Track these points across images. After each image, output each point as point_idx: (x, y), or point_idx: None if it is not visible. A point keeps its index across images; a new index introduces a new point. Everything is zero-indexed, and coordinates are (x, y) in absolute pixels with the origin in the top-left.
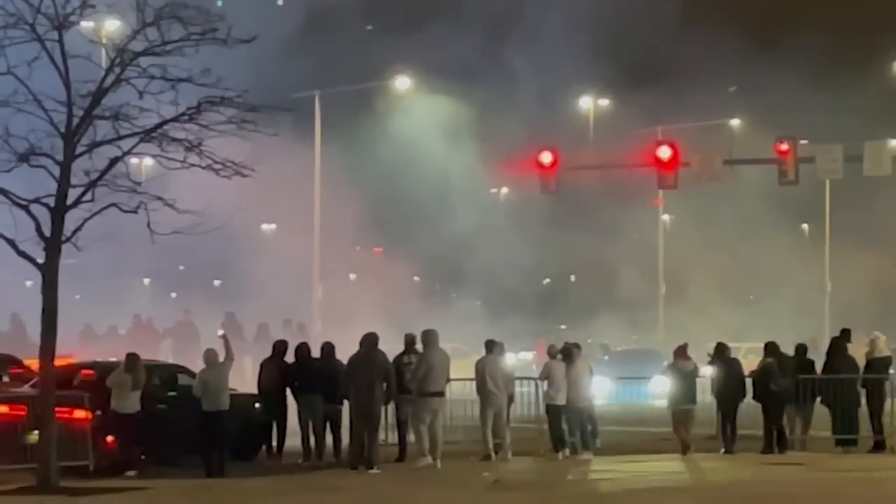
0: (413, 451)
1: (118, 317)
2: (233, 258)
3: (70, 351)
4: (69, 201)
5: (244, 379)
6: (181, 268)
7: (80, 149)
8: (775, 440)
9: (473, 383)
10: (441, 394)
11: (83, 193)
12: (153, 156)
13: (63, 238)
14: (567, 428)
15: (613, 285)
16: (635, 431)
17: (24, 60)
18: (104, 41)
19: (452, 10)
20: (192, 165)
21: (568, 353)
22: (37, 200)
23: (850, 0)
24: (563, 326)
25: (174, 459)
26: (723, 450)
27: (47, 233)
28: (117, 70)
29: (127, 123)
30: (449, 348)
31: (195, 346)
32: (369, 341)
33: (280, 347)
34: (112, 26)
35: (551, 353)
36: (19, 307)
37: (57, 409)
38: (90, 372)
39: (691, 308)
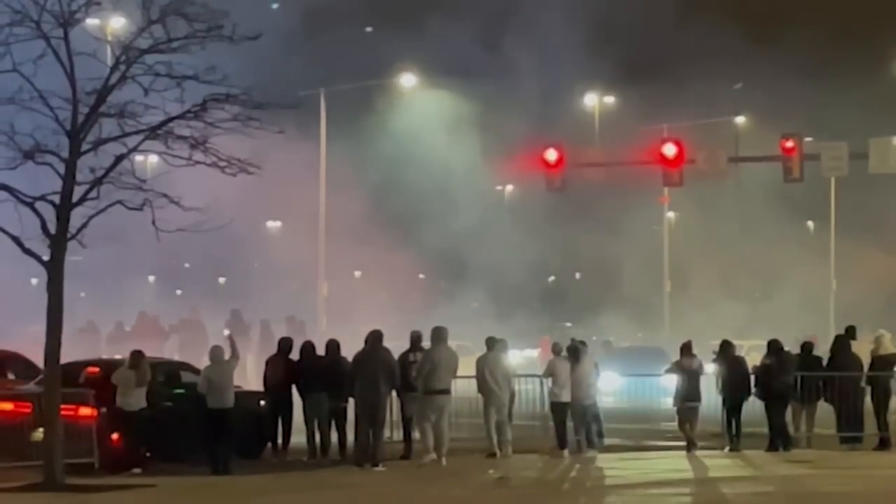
0: (418, 449)
1: (123, 314)
2: (238, 255)
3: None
4: (74, 199)
5: (247, 376)
6: (186, 265)
7: (85, 146)
8: (779, 438)
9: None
10: (446, 391)
11: (88, 191)
12: (158, 153)
13: (68, 235)
14: (572, 426)
15: (618, 283)
16: (640, 429)
17: (29, 58)
18: (109, 38)
19: (456, 6)
20: (198, 163)
21: (573, 351)
22: (42, 198)
23: None
24: (568, 324)
25: (180, 457)
26: (728, 447)
27: (52, 230)
28: (122, 67)
29: (132, 121)
30: (454, 346)
31: (202, 343)
32: (374, 338)
33: (285, 345)
34: (117, 24)
35: (556, 351)
36: (23, 305)
37: (62, 406)
38: (95, 369)
39: (696, 305)
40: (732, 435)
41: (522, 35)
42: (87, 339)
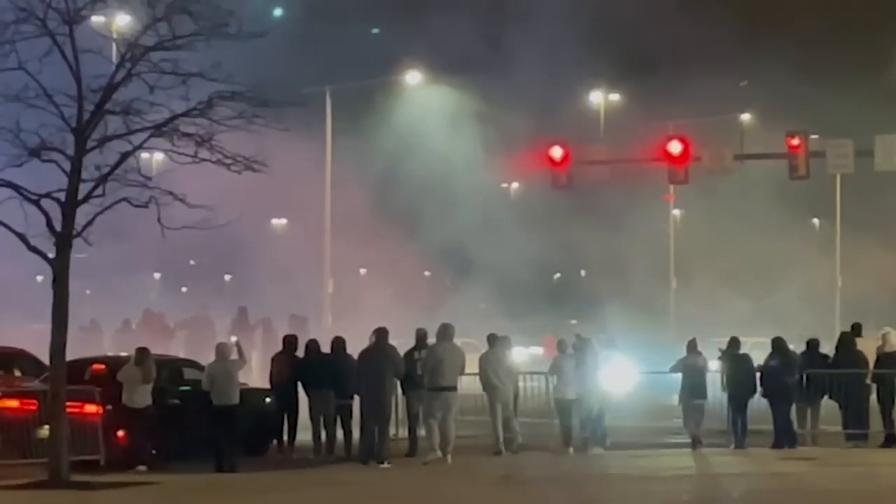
0: (423, 447)
1: (128, 312)
2: (243, 253)
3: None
4: (80, 196)
5: (251, 374)
6: (192, 262)
7: (90, 144)
8: (784, 435)
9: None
10: (452, 388)
11: (94, 188)
12: (164, 151)
13: (74, 233)
14: (578, 423)
15: (624, 280)
16: (645, 426)
17: (35, 56)
18: (115, 36)
19: (460, 3)
20: (203, 160)
21: (578, 348)
22: (48, 195)
23: None
24: (573, 321)
25: (185, 454)
26: (733, 445)
27: (58, 227)
28: (128, 65)
29: (137, 118)
30: (459, 343)
31: (210, 340)
32: (380, 336)
33: (291, 342)
34: (123, 21)
35: (561, 348)
36: (27, 302)
37: (68, 403)
38: (101, 366)
39: (702, 303)
40: (738, 432)
41: (528, 33)
42: (89, 338)
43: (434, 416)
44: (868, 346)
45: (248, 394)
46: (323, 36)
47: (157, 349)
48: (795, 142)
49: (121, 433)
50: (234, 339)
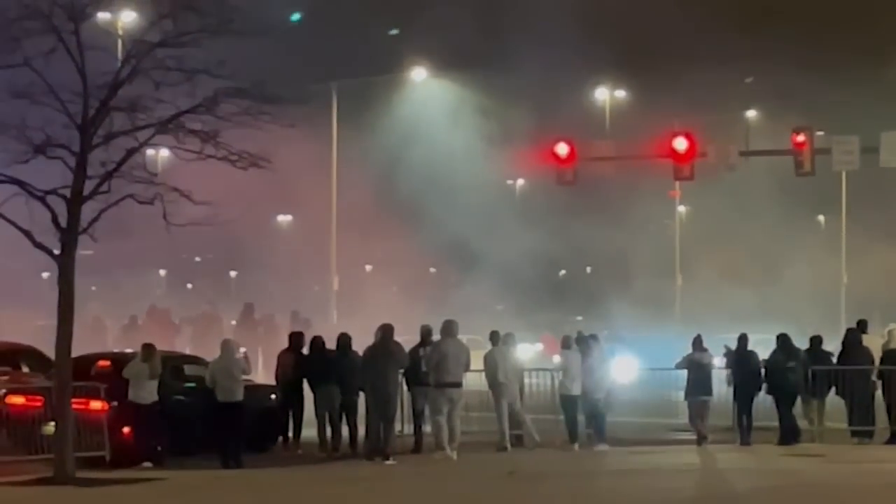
0: (431, 443)
1: (134, 308)
2: (248, 250)
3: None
4: (85, 193)
5: (257, 371)
6: (197, 259)
7: (96, 140)
8: (789, 432)
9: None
10: (458, 384)
11: (99, 185)
12: (169, 147)
13: (79, 229)
14: (583, 419)
15: (629, 277)
16: (650, 422)
17: (40, 52)
18: (120, 32)
19: (466, 1)
20: (209, 157)
21: (581, 344)
22: (53, 192)
23: None
24: (579, 318)
25: (190, 450)
26: (738, 441)
27: (63, 224)
28: (133, 61)
29: (143, 115)
30: (465, 340)
31: (217, 337)
32: (385, 333)
33: (297, 339)
34: (128, 17)
35: (566, 344)
36: (32, 299)
37: (73, 399)
38: (106, 363)
39: (707, 299)
40: (743, 429)
41: (533, 29)
42: (92, 336)
43: (441, 412)
44: (874, 343)
45: (254, 390)
46: (328, 32)
47: (163, 346)
48: (801, 138)
49: (126, 430)
50: (243, 350)
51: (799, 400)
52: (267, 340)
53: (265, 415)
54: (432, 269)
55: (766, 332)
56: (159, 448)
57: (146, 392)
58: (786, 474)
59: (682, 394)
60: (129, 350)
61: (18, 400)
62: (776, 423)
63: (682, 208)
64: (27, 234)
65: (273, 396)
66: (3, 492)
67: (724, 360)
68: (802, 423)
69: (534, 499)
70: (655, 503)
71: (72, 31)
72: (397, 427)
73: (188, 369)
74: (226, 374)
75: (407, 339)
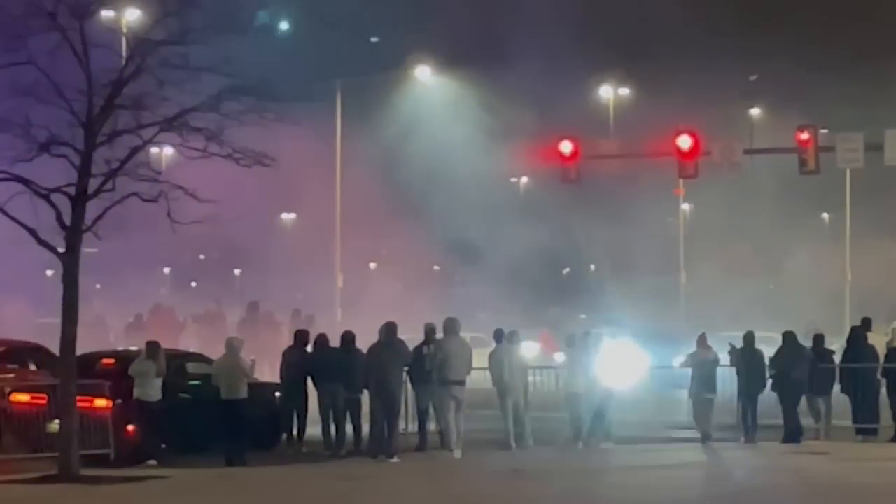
0: (435, 441)
1: (138, 306)
2: (252, 247)
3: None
4: (90, 190)
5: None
6: (201, 257)
7: (100, 138)
8: (793, 429)
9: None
10: (462, 383)
11: (104, 183)
12: (174, 145)
13: (84, 227)
14: (587, 417)
15: (634, 275)
16: (655, 420)
17: (45, 50)
18: (125, 30)
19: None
20: (213, 154)
21: (586, 342)
22: (58, 189)
23: None
24: (583, 315)
25: (195, 448)
26: (743, 439)
27: (68, 222)
28: (138, 59)
29: (147, 113)
30: (469, 338)
31: (223, 336)
32: (389, 331)
33: (301, 337)
34: (132, 15)
35: (569, 342)
36: (36, 297)
37: (78, 397)
38: (111, 360)
39: (712, 297)
40: (748, 426)
41: (537, 28)
42: (94, 334)
43: (448, 410)
44: (878, 341)
45: (258, 388)
46: (333, 30)
47: (167, 344)
48: (805, 136)
49: (131, 428)
50: (252, 358)
51: (803, 398)
52: (268, 338)
53: (269, 413)
54: (436, 267)
55: (770, 329)
56: (164, 446)
57: (152, 390)
58: (790, 472)
59: (686, 392)
60: (133, 348)
61: (23, 398)
62: (780, 421)
63: (686, 206)
64: (32, 231)
65: (277, 394)
66: (8, 489)
67: (729, 357)
68: (807, 421)
69: (538, 497)
70: (659, 502)
71: (76, 29)
72: (401, 425)
73: (193, 367)
74: (229, 372)
75: (411, 336)
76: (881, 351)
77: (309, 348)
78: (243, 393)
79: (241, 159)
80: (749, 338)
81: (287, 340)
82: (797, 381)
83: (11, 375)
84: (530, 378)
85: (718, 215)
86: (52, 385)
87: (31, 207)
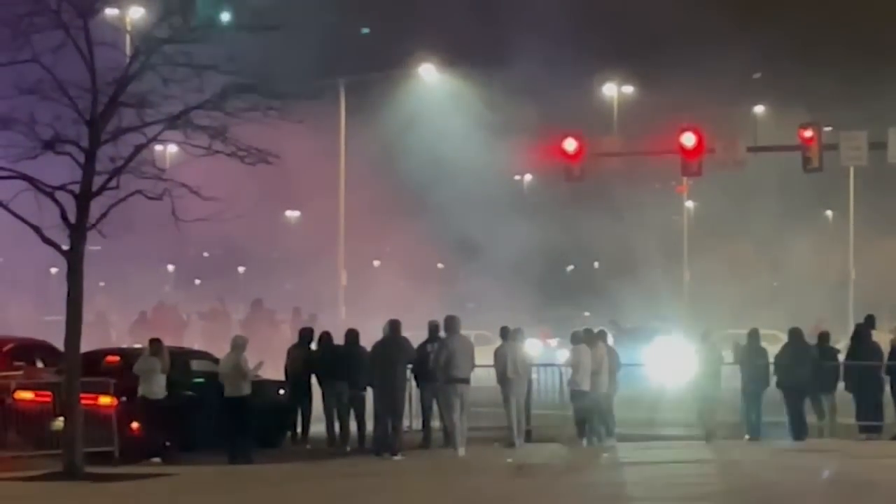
0: (439, 439)
1: (142, 304)
2: (256, 245)
3: None
4: (94, 188)
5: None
6: (205, 254)
7: (104, 136)
8: (797, 427)
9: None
10: (467, 381)
11: (108, 180)
12: (178, 143)
13: (88, 225)
14: (591, 414)
15: (637, 272)
16: (659, 418)
17: (49, 48)
18: (129, 28)
19: None
20: (217, 152)
21: (589, 339)
22: (62, 187)
23: None
24: (587, 313)
25: (199, 446)
26: (747, 436)
27: (72, 220)
28: (142, 57)
29: (152, 110)
30: (473, 335)
31: (226, 334)
32: (393, 328)
33: (306, 335)
34: (136, 13)
35: (575, 340)
36: (41, 294)
37: (82, 395)
38: (115, 358)
39: (715, 295)
40: (752, 424)
41: (541, 25)
42: (96, 332)
43: (455, 411)
44: (882, 339)
45: (262, 386)
46: (337, 27)
47: (171, 342)
48: (808, 134)
49: (135, 425)
50: (261, 361)
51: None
52: (267, 336)
53: (274, 410)
54: (440, 265)
55: (773, 327)
56: (168, 443)
57: (157, 387)
58: (794, 469)
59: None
60: (137, 345)
61: (27, 395)
62: (784, 419)
63: (689, 204)
64: (36, 229)
65: (281, 392)
66: (13, 487)
67: (733, 355)
68: (810, 419)
69: (542, 494)
70: (664, 499)
71: (80, 27)
72: (405, 423)
73: (197, 364)
74: (233, 369)
75: (415, 334)
76: (885, 348)
77: (313, 346)
78: (246, 390)
79: (245, 157)
80: (753, 335)
81: (288, 338)
82: (802, 379)
83: (20, 372)
84: (534, 376)
85: (722, 213)
86: (57, 382)
87: (36, 205)
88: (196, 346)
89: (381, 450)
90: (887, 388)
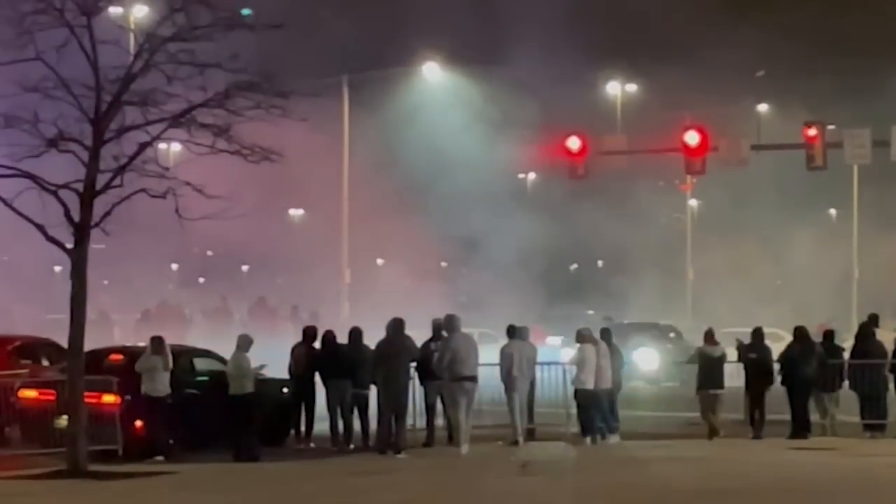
0: (443, 437)
1: (146, 302)
2: (260, 243)
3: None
4: (98, 186)
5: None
6: (209, 253)
7: (108, 134)
8: (801, 426)
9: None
10: (474, 378)
11: (112, 179)
12: (181, 141)
13: (91, 223)
14: (595, 412)
15: (641, 270)
16: (663, 416)
17: (52, 46)
18: (132, 27)
19: None
20: (221, 151)
21: (585, 338)
22: (66, 186)
23: None
24: (590, 311)
25: (203, 444)
26: (751, 435)
27: (76, 218)
28: (145, 55)
29: (155, 109)
30: (477, 333)
31: (230, 332)
32: (396, 326)
33: (310, 333)
34: (140, 12)
35: (580, 339)
36: (45, 292)
37: (86, 393)
38: (119, 356)
39: (718, 293)
40: (755, 423)
41: (544, 24)
42: (99, 330)
43: (459, 408)
44: (886, 337)
45: (266, 384)
46: (340, 25)
47: (175, 340)
48: (812, 132)
49: (139, 423)
50: (264, 363)
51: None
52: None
53: (278, 408)
54: (443, 263)
55: (776, 325)
56: (172, 441)
57: (160, 385)
58: (797, 468)
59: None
60: (141, 344)
61: (31, 393)
62: (788, 417)
63: (693, 202)
64: (40, 227)
65: (285, 390)
66: (17, 485)
67: (737, 353)
68: (813, 417)
69: (546, 491)
70: (668, 497)
71: (84, 25)
72: (409, 421)
73: (200, 363)
74: (237, 367)
75: (418, 332)
76: (889, 347)
77: (317, 344)
78: (248, 388)
79: (248, 155)
80: (757, 334)
81: (289, 336)
82: (807, 377)
83: (26, 371)
84: (538, 374)
85: (725, 211)
86: (61, 381)
87: (40, 203)
88: (200, 345)
89: (385, 448)
90: (891, 386)
